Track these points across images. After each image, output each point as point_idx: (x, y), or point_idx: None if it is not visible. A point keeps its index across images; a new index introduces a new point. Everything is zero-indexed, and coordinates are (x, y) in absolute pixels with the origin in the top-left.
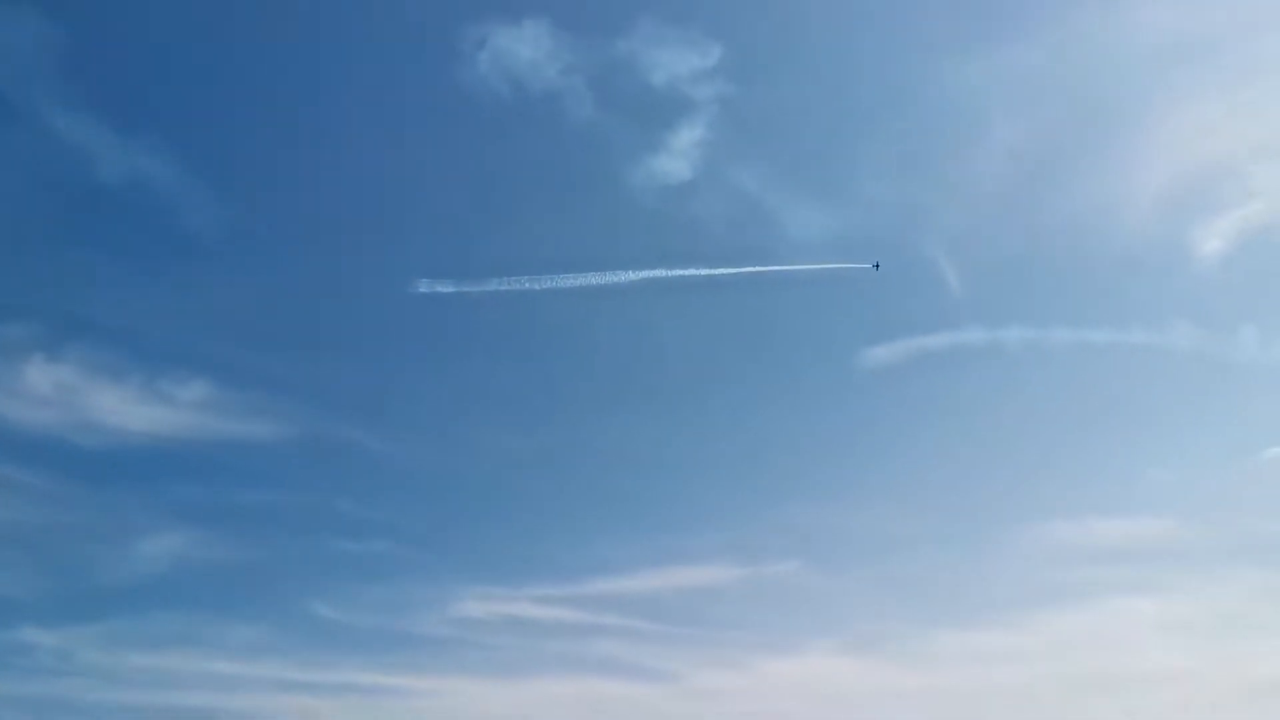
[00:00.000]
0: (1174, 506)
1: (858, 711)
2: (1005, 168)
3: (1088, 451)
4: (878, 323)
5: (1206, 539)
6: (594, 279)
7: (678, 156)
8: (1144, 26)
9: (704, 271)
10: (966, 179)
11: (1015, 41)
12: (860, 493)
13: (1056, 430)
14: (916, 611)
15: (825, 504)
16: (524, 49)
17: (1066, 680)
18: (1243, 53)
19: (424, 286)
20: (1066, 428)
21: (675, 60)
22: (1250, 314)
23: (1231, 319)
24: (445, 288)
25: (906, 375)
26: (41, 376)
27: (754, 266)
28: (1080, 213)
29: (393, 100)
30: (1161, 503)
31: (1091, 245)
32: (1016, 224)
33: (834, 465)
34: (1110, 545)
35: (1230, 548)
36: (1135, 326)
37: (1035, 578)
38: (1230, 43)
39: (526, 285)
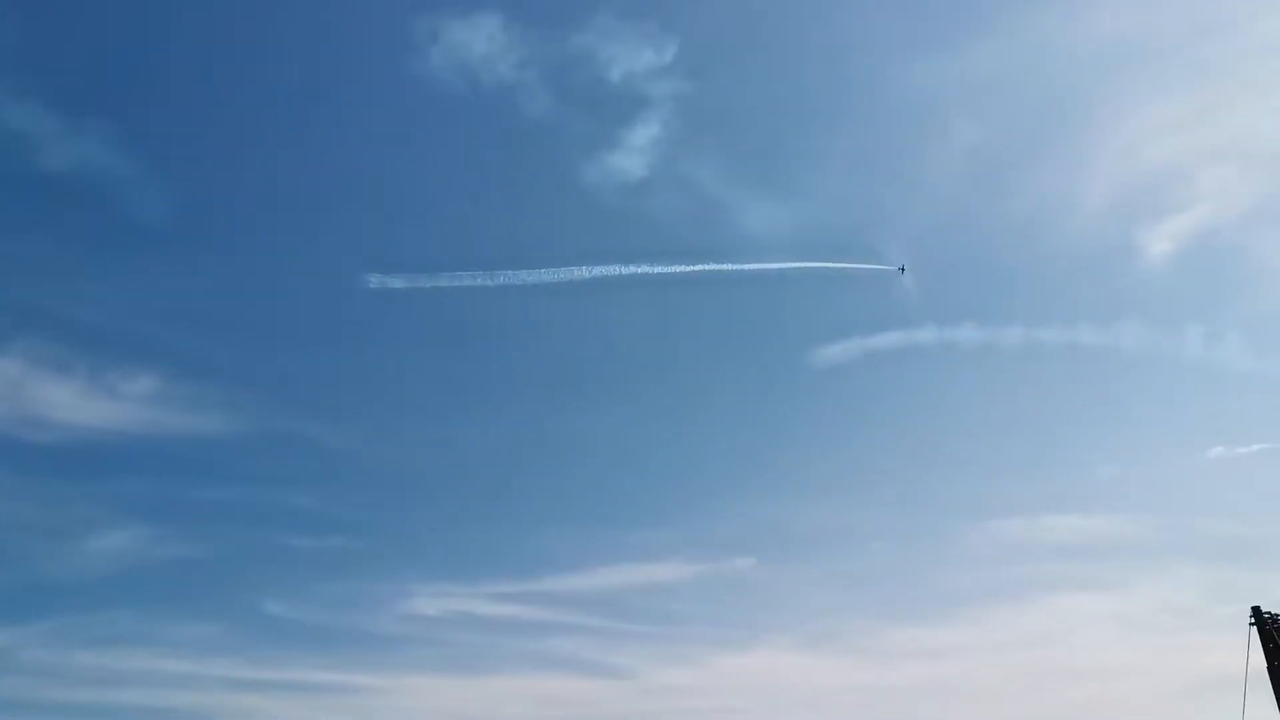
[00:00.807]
0: (1124, 504)
1: (812, 706)
2: (960, 168)
3: (1039, 449)
4: (832, 320)
5: (1155, 536)
6: (549, 275)
7: (634, 154)
8: (1096, 32)
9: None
10: (922, 178)
11: (970, 43)
12: (815, 490)
13: (1009, 427)
14: (870, 607)
15: (780, 501)
16: (477, 42)
17: (1018, 675)
18: (1191, 59)
19: (376, 281)
20: (1018, 425)
21: (631, 56)
22: (1197, 315)
23: (1178, 320)
24: (398, 282)
25: (860, 373)
26: None
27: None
28: (1033, 213)
29: (344, 92)
30: (1112, 500)
31: (1043, 245)
32: (970, 224)
33: (789, 462)
34: (1061, 542)
35: (1178, 544)
36: (1085, 326)
37: (988, 574)
38: (1179, 49)
39: (480, 281)
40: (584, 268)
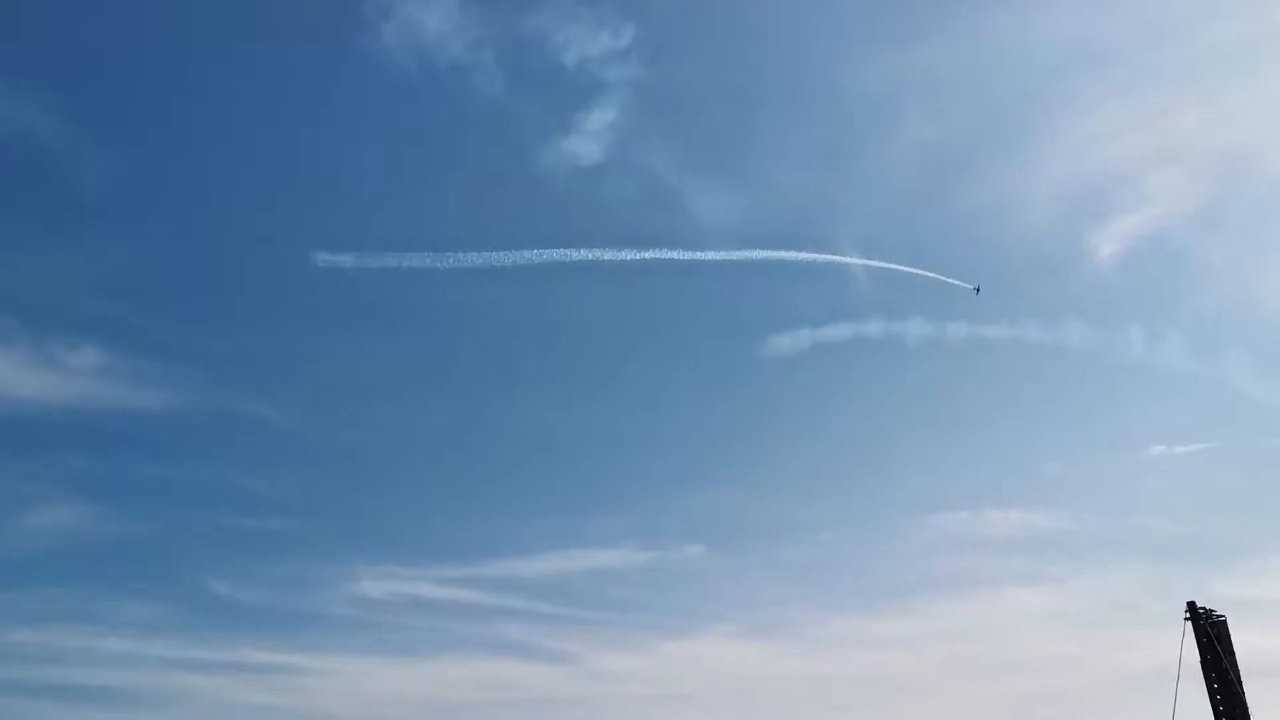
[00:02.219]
0: (1066, 500)
1: (755, 693)
2: (914, 163)
3: (985, 444)
4: (781, 311)
5: (1096, 532)
6: (501, 258)
7: (589, 139)
8: (1050, 33)
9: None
10: (876, 172)
11: (927, 40)
12: (762, 480)
13: (955, 422)
14: (814, 597)
15: (728, 490)
16: (431, 20)
17: (959, 665)
18: (1140, 63)
19: (324, 259)
20: (965, 420)
21: (587, 39)
22: (1140, 316)
23: (1123, 320)
24: (346, 261)
25: (810, 364)
26: None
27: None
28: (982, 212)
29: (294, 67)
30: (1054, 495)
31: (994, 243)
32: (922, 219)
33: (740, 452)
34: (1003, 536)
35: (1117, 540)
36: (1032, 324)
37: (932, 566)
38: (1128, 53)
39: (430, 262)
40: (536, 251)
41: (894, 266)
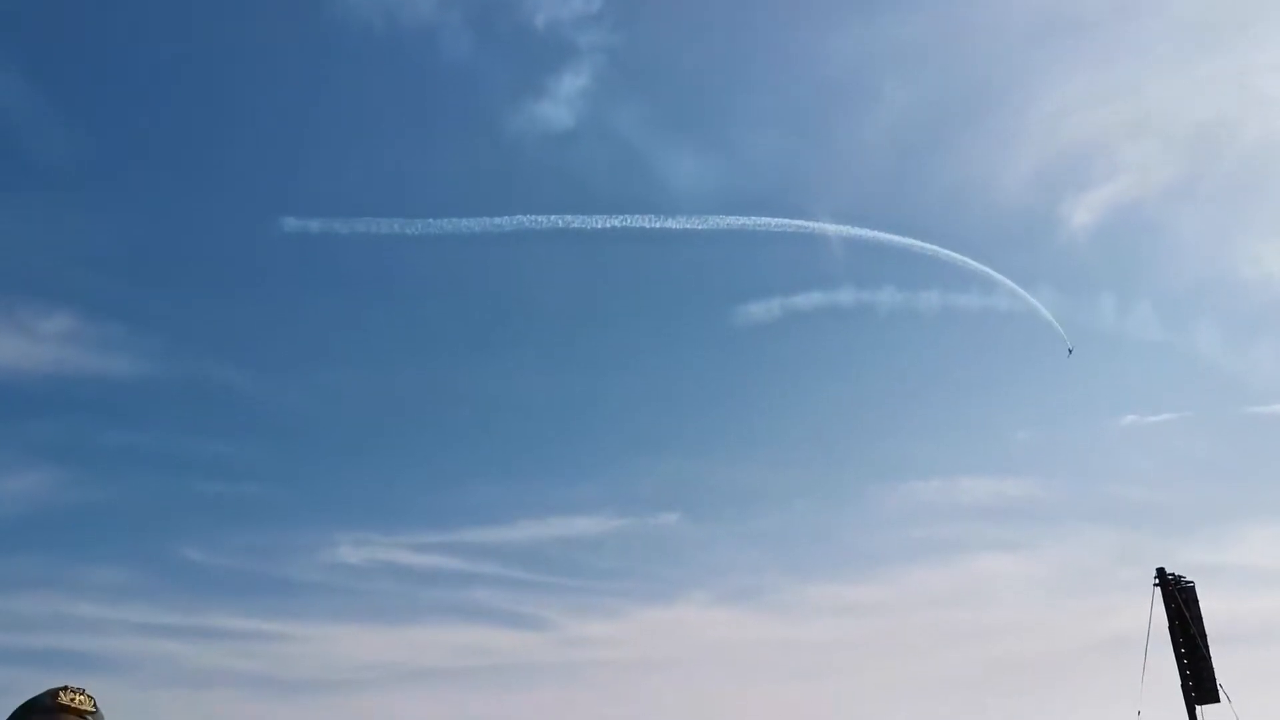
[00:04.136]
0: (1038, 467)
1: (730, 660)
2: (889, 133)
3: (957, 412)
4: (753, 279)
5: (1067, 500)
6: (470, 224)
7: (560, 104)
8: (1024, 5)
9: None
10: (850, 142)
11: (900, 11)
12: (735, 448)
13: (927, 391)
14: (787, 564)
15: (703, 458)
16: None
17: (931, 632)
18: (1114, 33)
19: (291, 225)
20: (937, 389)
21: (558, 2)
22: (1112, 285)
23: (1094, 290)
24: (313, 226)
25: (782, 332)
26: None
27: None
28: (957, 183)
29: (257, 28)
30: (1025, 464)
31: (968, 214)
32: (896, 189)
33: (710, 420)
34: (975, 503)
35: (1088, 508)
36: (1003, 293)
37: (905, 534)
38: (1102, 23)
39: (399, 228)
40: (507, 218)
41: (920, 244)
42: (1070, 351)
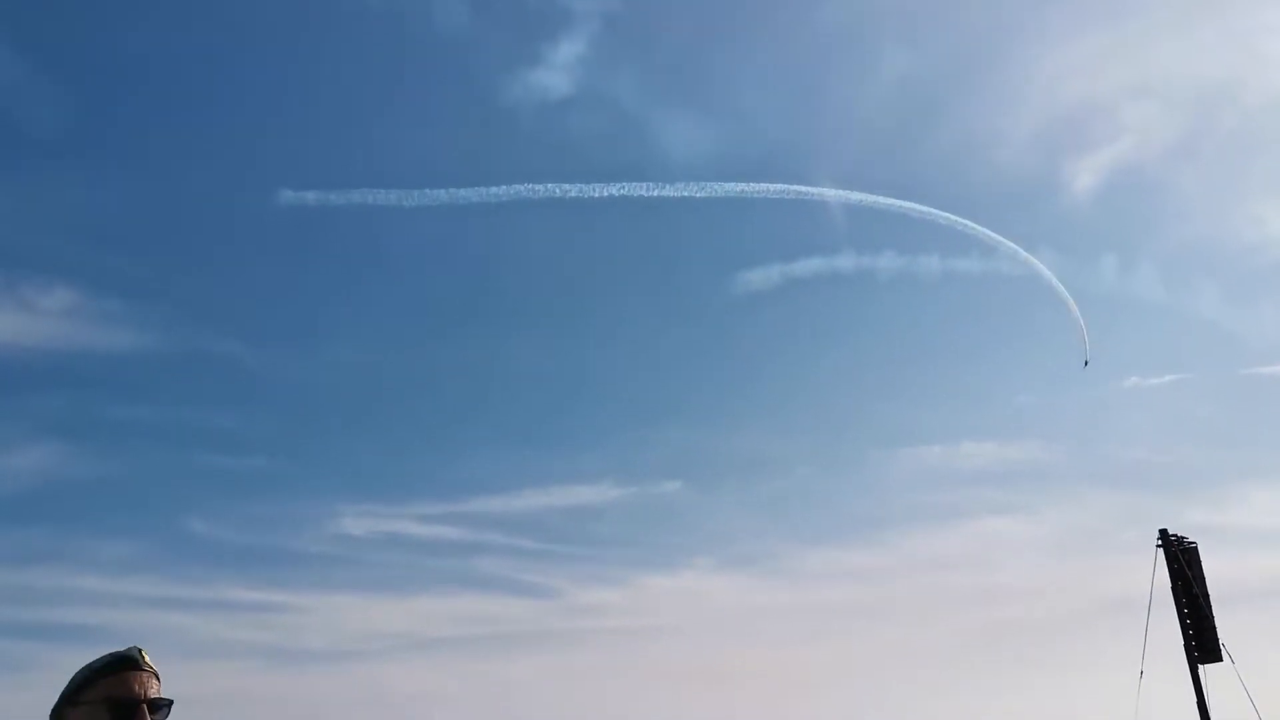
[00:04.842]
0: (1040, 431)
1: (734, 625)
2: (889, 96)
3: (958, 377)
4: (752, 246)
5: (1070, 463)
6: (468, 195)
7: (557, 71)
8: None
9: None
10: (848, 105)
11: None
12: (736, 415)
13: (929, 356)
14: (790, 530)
15: (704, 426)
16: None
17: (934, 595)
18: None
19: (287, 197)
20: (938, 353)
21: None
22: (1115, 247)
23: (1095, 251)
24: (309, 199)
25: (781, 299)
26: None
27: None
28: (957, 146)
29: None
30: (1027, 427)
31: (970, 177)
32: (897, 152)
33: (711, 387)
34: (978, 468)
35: (1091, 471)
36: (1004, 257)
37: (906, 498)
38: None
39: (397, 200)
40: (504, 187)
41: (939, 211)
42: (1086, 364)
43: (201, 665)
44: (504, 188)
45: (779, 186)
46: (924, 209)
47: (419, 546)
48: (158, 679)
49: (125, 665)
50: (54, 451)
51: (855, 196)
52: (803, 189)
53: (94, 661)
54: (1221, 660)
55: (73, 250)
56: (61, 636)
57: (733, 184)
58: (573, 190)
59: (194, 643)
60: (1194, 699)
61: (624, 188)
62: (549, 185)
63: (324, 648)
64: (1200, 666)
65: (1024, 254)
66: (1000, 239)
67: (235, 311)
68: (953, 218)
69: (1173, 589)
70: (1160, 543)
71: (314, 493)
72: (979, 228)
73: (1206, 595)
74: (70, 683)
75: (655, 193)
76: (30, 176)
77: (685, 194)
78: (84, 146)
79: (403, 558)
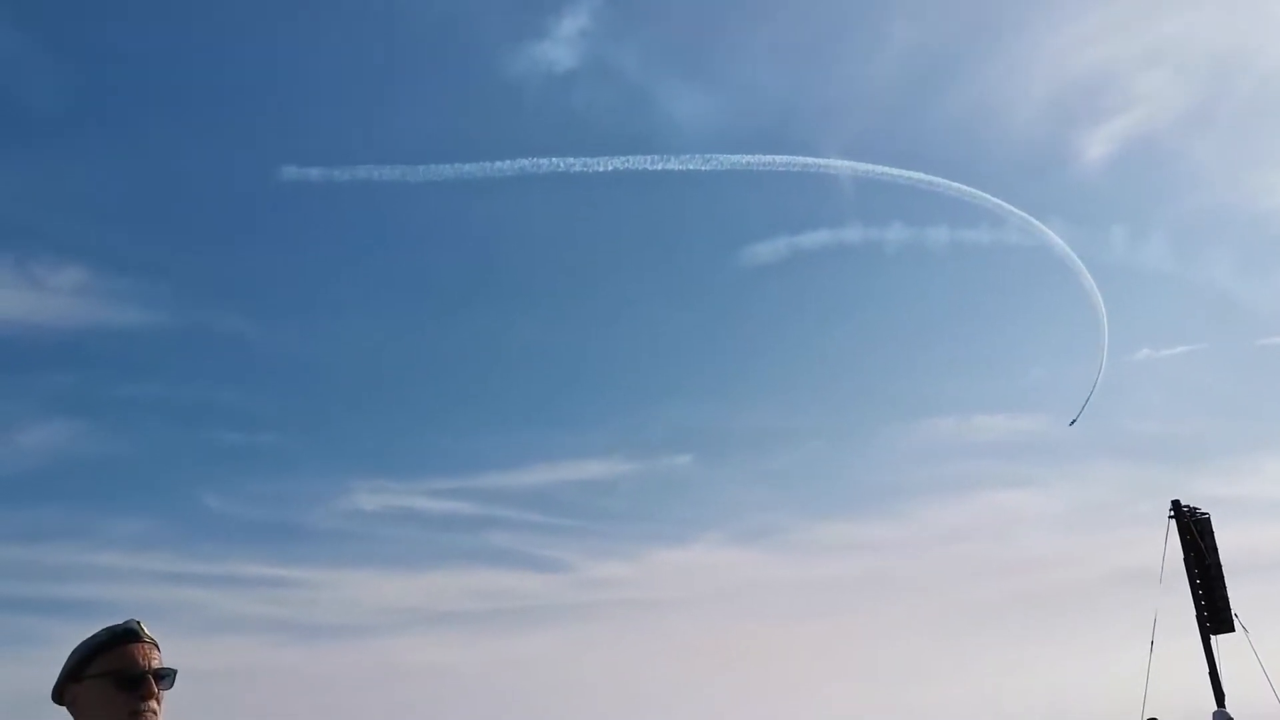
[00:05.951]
0: (1052, 403)
1: (744, 598)
2: (898, 67)
3: (970, 349)
4: (759, 219)
5: (1081, 434)
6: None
7: (561, 44)
8: None
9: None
10: (857, 76)
11: None
12: (747, 388)
13: (940, 328)
14: (801, 503)
15: (714, 400)
16: None
17: (946, 568)
18: None
19: (291, 173)
20: (949, 326)
21: None
22: (1125, 217)
23: (1107, 221)
24: (313, 175)
25: (790, 272)
26: None
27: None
28: (967, 116)
29: None
30: (1040, 400)
31: (979, 147)
32: (906, 124)
33: (720, 361)
34: (990, 440)
35: (1103, 443)
36: (1014, 228)
37: (918, 472)
38: None
39: (402, 175)
40: (509, 161)
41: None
42: (1072, 423)
43: (215, 640)
44: (509, 162)
45: (785, 158)
46: (933, 179)
47: (431, 522)
48: (158, 649)
49: (126, 638)
50: (66, 429)
51: (863, 167)
52: (809, 160)
53: (92, 637)
54: (1234, 631)
55: (82, 228)
56: (80, 612)
57: (739, 156)
58: (578, 164)
59: (208, 618)
60: (1206, 669)
61: (629, 161)
62: (554, 159)
63: (337, 623)
64: (1212, 637)
65: (1036, 223)
66: (1011, 209)
67: (242, 288)
68: (962, 188)
69: (1185, 560)
70: (1172, 514)
71: (326, 469)
72: (989, 198)
73: (1219, 566)
74: (70, 658)
75: (661, 166)
76: (37, 155)
77: (691, 166)
78: (88, 124)
79: (415, 533)
